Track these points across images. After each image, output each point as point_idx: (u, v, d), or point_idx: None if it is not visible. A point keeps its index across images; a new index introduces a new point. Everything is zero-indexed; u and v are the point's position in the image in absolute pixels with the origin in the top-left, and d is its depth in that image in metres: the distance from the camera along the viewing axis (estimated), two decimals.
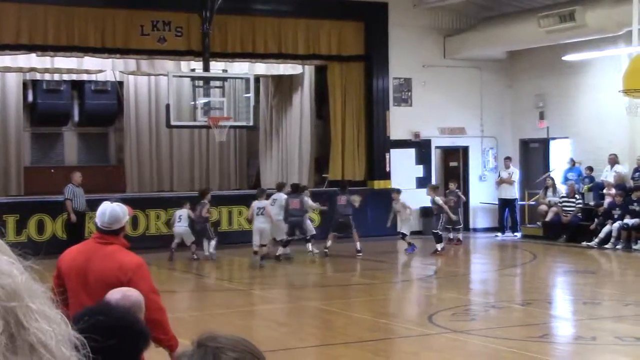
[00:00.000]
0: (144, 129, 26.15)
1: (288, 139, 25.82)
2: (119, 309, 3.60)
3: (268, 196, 19.36)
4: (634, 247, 20.18)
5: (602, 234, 20.81)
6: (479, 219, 25.44)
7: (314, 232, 19.82)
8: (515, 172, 24.05)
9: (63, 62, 22.38)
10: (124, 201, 6.27)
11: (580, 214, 22.12)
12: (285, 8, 23.09)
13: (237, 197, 23.06)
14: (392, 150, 24.13)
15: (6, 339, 1.13)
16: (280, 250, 19.14)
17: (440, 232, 20.29)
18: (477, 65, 25.21)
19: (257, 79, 24.51)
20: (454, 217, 20.73)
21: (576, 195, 22.26)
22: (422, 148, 24.67)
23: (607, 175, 22.14)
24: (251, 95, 20.85)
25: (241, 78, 21.08)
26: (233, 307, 13.99)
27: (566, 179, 23.10)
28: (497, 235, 24.00)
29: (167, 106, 20.21)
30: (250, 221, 19.28)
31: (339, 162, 23.96)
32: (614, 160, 22.04)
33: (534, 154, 25.42)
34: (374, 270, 18.28)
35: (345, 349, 10.67)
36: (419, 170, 24.55)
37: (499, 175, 24.34)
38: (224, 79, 20.69)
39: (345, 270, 18.68)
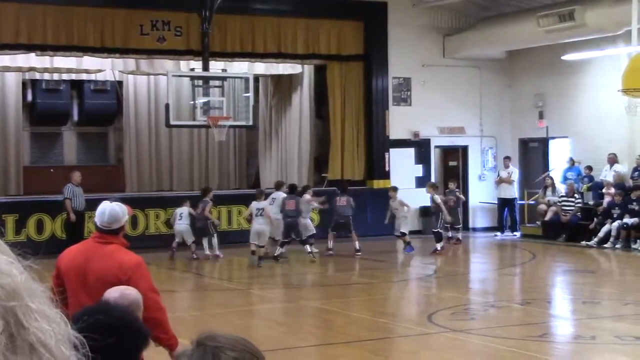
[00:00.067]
0: (144, 128, 26.15)
1: (287, 139, 25.82)
2: (118, 308, 3.60)
3: (266, 196, 19.36)
4: (633, 246, 20.19)
5: (601, 234, 20.81)
6: (479, 219, 25.45)
7: (314, 232, 19.80)
8: (514, 172, 24.06)
9: (62, 61, 22.37)
10: (124, 201, 6.27)
11: (579, 213, 22.13)
12: (284, 8, 23.09)
13: (237, 196, 23.06)
14: (391, 150, 24.14)
15: (6, 338, 1.13)
16: (278, 250, 19.15)
17: (441, 231, 20.29)
18: (476, 65, 25.22)
19: (257, 78, 24.49)
20: (448, 218, 20.67)
21: (575, 195, 22.27)
22: (421, 147, 24.68)
23: (606, 174, 22.14)
24: (250, 94, 20.85)
25: (240, 77, 21.08)
26: (232, 307, 13.99)
27: (565, 179, 23.11)
28: (496, 235, 24.01)
29: (167, 106, 20.20)
30: (248, 221, 19.27)
31: (338, 162, 23.97)
32: (613, 160, 22.04)
33: (533, 154, 25.42)
34: (373, 270, 18.28)
35: (344, 349, 10.67)
36: (419, 170, 24.55)
37: (499, 175, 24.34)
38: (223, 79, 20.69)
39: (345, 269, 18.68)
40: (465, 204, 24.46)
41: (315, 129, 25.34)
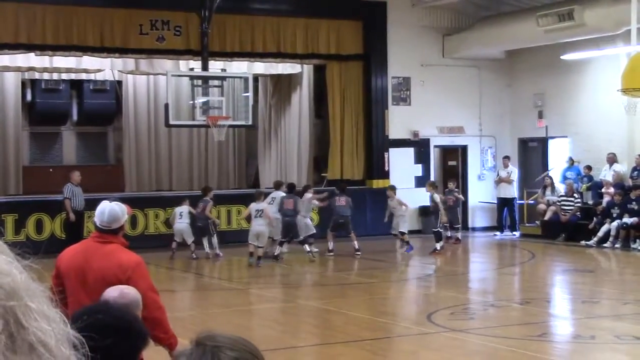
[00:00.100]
0: (143, 128, 26.15)
1: (287, 138, 25.82)
2: (117, 307, 3.60)
3: (265, 196, 19.35)
4: (633, 246, 20.19)
5: (600, 233, 20.81)
6: (478, 218, 25.45)
7: (314, 231, 19.82)
8: (514, 171, 24.06)
9: (62, 61, 22.36)
10: (123, 200, 6.27)
11: (579, 213, 22.13)
12: (284, 7, 23.09)
13: (236, 196, 23.06)
14: (390, 150, 24.14)
15: (6, 338, 1.13)
16: (278, 250, 19.15)
17: (441, 231, 20.29)
18: (475, 65, 25.22)
19: (256, 78, 24.48)
20: (444, 218, 20.65)
21: (575, 194, 22.27)
22: (420, 147, 24.67)
23: (605, 174, 22.14)
24: (250, 94, 20.84)
25: (240, 77, 21.07)
26: (232, 306, 14.00)
27: (565, 178, 23.11)
28: (495, 235, 24.01)
29: (166, 105, 20.20)
30: (248, 220, 19.26)
31: (337, 161, 23.97)
32: (612, 159, 22.05)
33: (532, 153, 25.43)
34: (373, 269, 18.28)
35: (344, 348, 10.67)
36: (418, 170, 24.55)
37: (498, 175, 24.34)
38: (222, 78, 20.69)
39: (344, 269, 18.68)
40: (465, 204, 24.46)
41: (314, 128, 25.33)
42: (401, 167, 24.02)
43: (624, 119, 20.74)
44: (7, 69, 22.58)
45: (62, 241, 17.74)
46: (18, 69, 22.86)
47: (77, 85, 25.77)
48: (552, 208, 22.59)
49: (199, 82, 20.46)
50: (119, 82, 25.62)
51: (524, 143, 25.49)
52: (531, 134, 25.03)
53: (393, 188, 20.85)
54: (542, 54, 23.84)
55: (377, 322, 12.43)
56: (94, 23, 20.96)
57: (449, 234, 21.68)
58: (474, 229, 25.07)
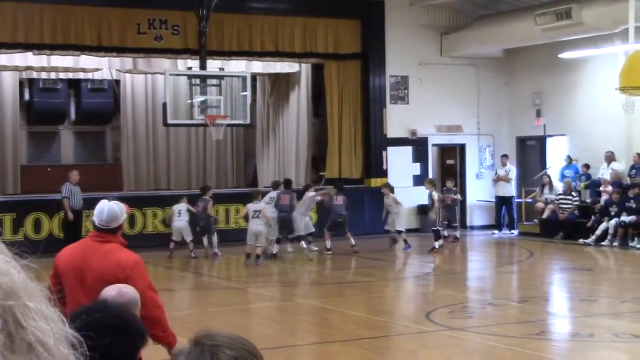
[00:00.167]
0: (141, 127, 26.15)
1: (285, 137, 25.83)
2: (115, 306, 3.60)
3: (263, 196, 19.35)
4: (631, 244, 20.21)
5: (598, 231, 20.82)
6: (476, 217, 25.45)
7: (313, 230, 19.87)
8: (512, 170, 24.06)
9: (59, 60, 22.36)
10: (121, 200, 6.27)
11: (577, 211, 22.14)
12: (281, 6, 23.08)
13: (234, 195, 23.05)
14: (389, 148, 24.14)
15: (4, 337, 1.13)
16: (276, 249, 19.16)
17: (440, 229, 20.28)
18: (473, 63, 25.22)
19: (254, 77, 24.50)
20: (433, 216, 20.63)
21: (573, 193, 22.28)
22: (419, 146, 24.68)
23: (603, 172, 22.15)
24: (248, 93, 20.84)
25: (238, 76, 21.06)
26: (230, 305, 14.00)
27: (563, 177, 23.12)
28: (494, 233, 24.02)
29: (164, 104, 20.18)
30: (246, 220, 19.26)
31: (336, 160, 23.97)
32: (610, 158, 22.05)
33: (530, 152, 25.44)
34: (371, 268, 18.28)
35: (342, 347, 10.68)
36: (416, 168, 24.55)
37: (496, 173, 24.34)
38: (220, 77, 20.68)
39: (342, 268, 18.69)
40: (463, 202, 24.46)
41: (312, 127, 25.34)
42: (399, 165, 24.03)
43: (622, 118, 20.74)
44: (4, 68, 22.57)
45: (61, 240, 17.73)
46: (16, 69, 22.85)
47: (74, 84, 25.77)
48: (550, 206, 22.60)
49: (197, 81, 20.45)
50: (117, 82, 25.61)
51: (522, 141, 25.50)
52: (529, 132, 25.04)
53: (388, 185, 20.90)
54: (540, 52, 23.84)
55: (375, 320, 12.43)
56: (92, 22, 20.95)
57: (445, 233, 21.68)
58: (472, 228, 25.08)
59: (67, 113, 26.26)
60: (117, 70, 24.25)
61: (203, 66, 20.70)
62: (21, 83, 25.10)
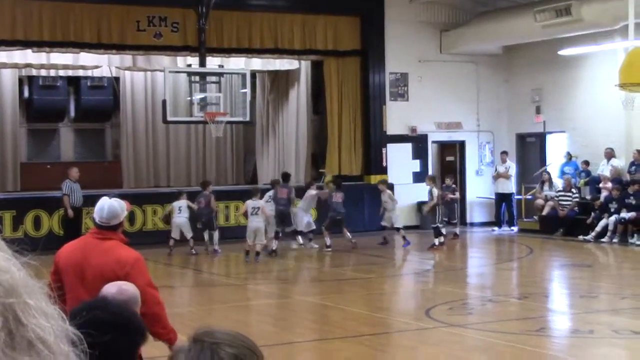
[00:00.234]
0: (141, 124, 26.15)
1: (285, 134, 25.83)
2: (116, 303, 3.60)
3: (262, 193, 19.37)
4: (630, 240, 20.21)
5: (598, 228, 20.82)
6: (476, 214, 25.46)
7: (314, 227, 19.94)
8: (511, 167, 24.06)
9: (59, 58, 22.35)
10: (121, 197, 6.27)
11: (576, 208, 22.14)
12: (281, 3, 23.07)
13: (234, 192, 23.05)
14: (388, 145, 24.14)
15: (5, 335, 1.13)
16: (275, 244, 19.17)
17: (440, 226, 20.28)
18: (473, 60, 25.21)
19: (254, 74, 24.50)
20: (426, 209, 20.72)
21: (573, 190, 22.28)
22: (418, 143, 24.68)
23: (603, 169, 22.15)
24: (247, 90, 20.82)
25: (237, 73, 21.05)
26: (229, 302, 14.01)
27: (563, 173, 23.12)
28: (493, 230, 24.02)
29: (164, 102, 20.17)
30: (245, 216, 19.28)
31: (335, 157, 23.97)
32: (610, 154, 22.05)
33: (530, 149, 25.44)
34: (371, 265, 18.29)
35: (342, 344, 10.68)
36: (416, 165, 24.56)
37: (496, 170, 24.34)
38: (220, 75, 20.67)
39: (341, 264, 18.69)
40: (463, 199, 24.47)
41: (312, 124, 25.34)
42: (399, 162, 24.03)
43: (621, 114, 20.74)
44: (4, 65, 22.57)
45: (60, 238, 17.72)
46: (15, 66, 22.85)
47: (74, 81, 25.78)
48: (550, 203, 22.60)
49: (197, 78, 20.43)
50: (117, 79, 25.62)
51: (521, 138, 25.50)
52: (529, 129, 25.04)
53: (384, 182, 20.97)
54: (539, 49, 23.84)
55: (375, 317, 12.44)
56: (91, 19, 20.94)
57: (444, 231, 21.66)
58: (472, 224, 25.08)
59: (67, 110, 26.27)
60: (116, 67, 24.25)
61: (202, 63, 20.70)
62: (21, 80, 25.10)
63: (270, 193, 19.70)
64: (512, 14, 22.84)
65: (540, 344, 10.54)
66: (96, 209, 5.78)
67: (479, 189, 25.31)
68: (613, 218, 20.57)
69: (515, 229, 23.79)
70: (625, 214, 20.37)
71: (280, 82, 26.06)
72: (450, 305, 12.87)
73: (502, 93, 25.66)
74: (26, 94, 25.48)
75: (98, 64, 23.45)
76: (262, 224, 18.39)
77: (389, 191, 20.57)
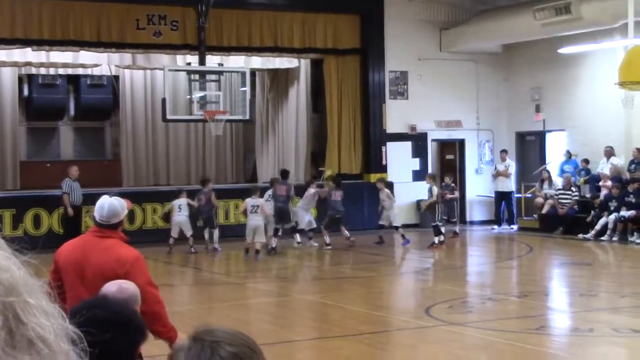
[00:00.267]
0: (140, 123, 26.15)
1: (284, 133, 25.83)
2: (116, 302, 3.60)
3: (262, 191, 19.38)
4: (630, 239, 20.21)
5: (598, 226, 20.83)
6: (476, 212, 25.46)
7: (315, 226, 19.96)
8: (511, 165, 24.06)
9: (58, 56, 22.36)
10: (121, 195, 6.26)
11: (576, 206, 22.14)
12: (280, 1, 23.07)
13: (234, 190, 23.04)
14: (388, 144, 24.14)
15: (5, 334, 1.13)
16: (274, 242, 19.18)
17: (440, 224, 20.28)
18: (473, 59, 25.21)
19: (253, 72, 24.49)
20: (423, 207, 20.75)
21: (572, 188, 22.29)
22: (418, 141, 24.68)
23: (603, 167, 22.15)
24: (247, 89, 20.83)
25: (237, 72, 21.05)
26: (229, 301, 14.01)
27: (562, 172, 23.13)
28: (493, 228, 24.02)
29: (163, 100, 20.17)
30: (245, 214, 19.29)
31: (335, 156, 23.97)
32: (610, 153, 22.06)
33: (530, 147, 25.44)
34: (370, 263, 18.29)
35: (341, 342, 10.68)
36: (416, 164, 24.56)
37: (496, 168, 24.34)
38: (219, 73, 20.67)
39: (341, 263, 18.70)
40: (463, 198, 24.48)
41: (312, 123, 25.34)
42: (399, 161, 24.03)
43: (621, 113, 20.74)
44: (4, 64, 22.57)
45: (60, 236, 17.73)
46: (15, 64, 22.85)
47: (74, 80, 25.78)
48: (550, 201, 22.61)
49: (196, 76, 20.43)
50: (116, 77, 25.61)
51: (521, 137, 25.50)
52: (528, 127, 25.04)
53: (383, 180, 20.99)
54: (539, 47, 23.83)
55: (375, 315, 12.43)
56: (91, 18, 20.94)
57: (443, 230, 21.67)
58: (471, 223, 25.09)
59: (67, 109, 26.27)
60: (116, 65, 24.25)
61: (202, 62, 20.70)
62: (20, 79, 25.10)
63: (270, 192, 19.72)
64: (511, 12, 22.83)
65: (540, 343, 10.54)
66: (96, 208, 5.78)
67: (478, 187, 25.31)
68: (613, 216, 20.58)
69: (515, 227, 23.79)
70: (624, 212, 20.37)
71: (280, 80, 26.06)
72: (450, 304, 12.88)
73: (501, 91, 25.66)
74: (26, 92, 25.48)
75: (98, 63, 23.45)
76: (261, 222, 18.40)
77: (387, 190, 20.59)
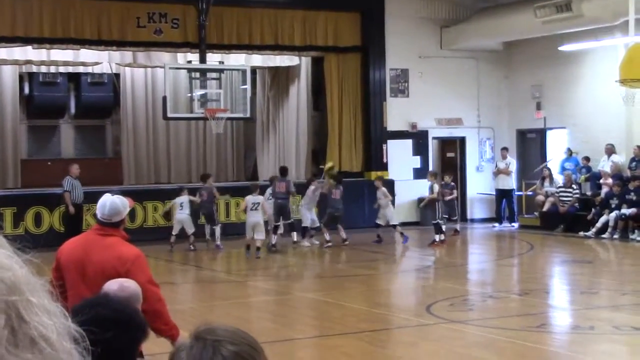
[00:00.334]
0: (141, 121, 26.15)
1: (285, 131, 25.82)
2: (117, 300, 3.61)
3: (262, 190, 19.38)
4: (631, 236, 20.21)
5: (599, 224, 20.83)
6: (476, 210, 25.46)
7: (318, 224, 19.99)
8: (512, 163, 24.07)
9: (59, 54, 22.35)
10: (122, 193, 6.27)
11: (577, 204, 22.14)
12: None
13: (235, 188, 23.03)
14: (389, 141, 24.14)
15: (8, 332, 1.13)
16: (275, 239, 19.19)
17: (441, 222, 20.27)
18: (473, 56, 25.20)
19: (254, 70, 24.48)
20: (422, 203, 20.82)
21: (573, 185, 22.28)
22: (419, 139, 24.67)
23: (604, 165, 22.15)
24: (248, 87, 20.83)
25: (238, 70, 21.05)
26: (230, 299, 14.01)
27: (563, 169, 23.12)
28: (494, 226, 24.02)
29: (164, 98, 20.18)
30: (245, 212, 19.29)
31: (336, 154, 23.95)
32: (610, 150, 22.05)
33: (531, 145, 25.44)
34: (371, 261, 18.30)
35: (342, 340, 10.68)
36: (416, 161, 24.55)
37: (496, 166, 24.34)
38: (220, 71, 20.67)
39: (342, 261, 18.70)
40: (463, 195, 24.48)
41: (312, 120, 25.33)
42: (399, 159, 24.03)
43: (622, 110, 20.73)
44: (4, 62, 22.57)
45: (61, 234, 17.73)
46: (15, 62, 22.84)
47: (74, 78, 25.76)
48: (551, 199, 22.60)
49: (197, 74, 20.44)
50: (117, 75, 25.60)
51: (522, 134, 25.49)
52: (529, 125, 25.03)
53: (381, 179, 21.00)
54: (539, 45, 23.82)
55: (375, 313, 12.44)
56: (92, 16, 20.93)
57: (444, 228, 21.66)
58: (472, 221, 25.08)
59: (67, 107, 26.26)
60: (116, 64, 24.24)
61: (203, 60, 20.70)
62: (21, 77, 25.09)
63: (270, 190, 19.74)
64: (512, 9, 22.82)
65: (541, 340, 10.55)
66: (98, 206, 5.79)
67: (479, 185, 25.31)
68: (614, 214, 20.57)
69: (515, 225, 23.79)
70: (625, 210, 20.37)
71: (281, 78, 26.05)
72: (450, 302, 12.88)
73: (502, 89, 25.65)
74: (26, 90, 25.46)
75: (98, 61, 23.45)
76: (260, 219, 18.42)
77: (383, 188, 20.57)
